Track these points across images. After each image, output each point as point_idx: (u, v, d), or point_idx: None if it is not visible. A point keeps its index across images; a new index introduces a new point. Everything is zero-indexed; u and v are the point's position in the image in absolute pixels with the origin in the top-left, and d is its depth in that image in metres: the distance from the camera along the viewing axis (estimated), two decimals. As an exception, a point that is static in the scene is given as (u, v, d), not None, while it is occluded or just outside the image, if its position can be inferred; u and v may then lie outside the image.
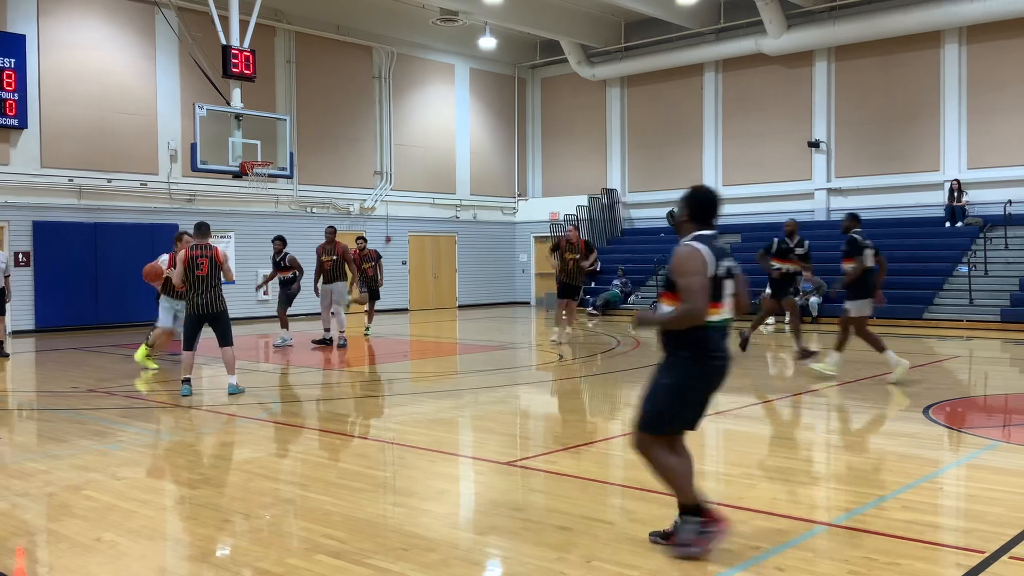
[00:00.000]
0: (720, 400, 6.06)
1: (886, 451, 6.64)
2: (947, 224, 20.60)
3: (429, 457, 6.58)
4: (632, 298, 22.92)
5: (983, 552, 4.13)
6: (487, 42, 24.81)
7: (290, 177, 18.48)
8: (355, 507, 5.14)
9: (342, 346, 14.58)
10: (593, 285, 23.44)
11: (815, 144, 23.23)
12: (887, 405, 8.62)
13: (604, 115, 27.61)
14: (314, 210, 23.16)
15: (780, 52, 23.15)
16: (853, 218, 10.29)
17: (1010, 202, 19.81)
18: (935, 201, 21.36)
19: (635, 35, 26.01)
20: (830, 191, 23.32)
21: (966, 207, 20.49)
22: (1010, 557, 4.08)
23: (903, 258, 19.99)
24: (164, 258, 11.25)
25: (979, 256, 19.14)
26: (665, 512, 4.93)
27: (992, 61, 20.74)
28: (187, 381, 9.33)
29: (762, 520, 4.77)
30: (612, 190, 27.11)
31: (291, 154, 17.48)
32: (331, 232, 15.09)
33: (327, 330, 15.02)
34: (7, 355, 13.34)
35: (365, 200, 24.29)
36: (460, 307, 26.21)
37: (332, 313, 14.93)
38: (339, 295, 14.91)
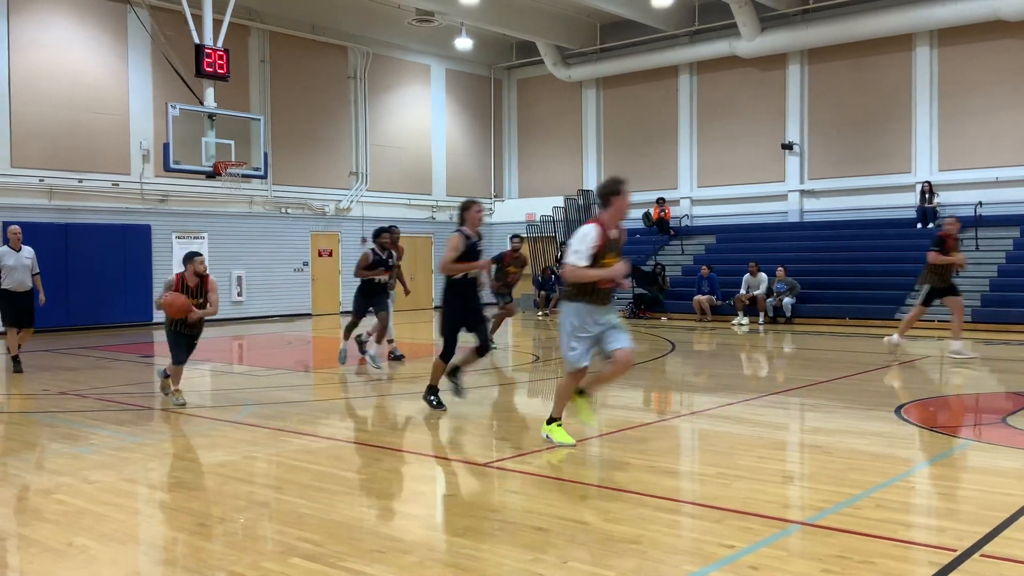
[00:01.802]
0: (696, 400, 6.09)
1: (859, 450, 6.70)
2: (918, 226, 20.84)
3: (405, 459, 6.56)
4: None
5: (955, 550, 4.17)
6: (463, 43, 24.80)
7: (264, 177, 18.37)
8: (330, 510, 5.11)
9: (399, 357, 12.74)
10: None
11: (788, 146, 23.42)
12: (859, 404, 8.70)
13: (580, 116, 27.69)
14: (288, 211, 23.04)
15: (754, 55, 23.32)
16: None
17: (980, 203, 20.08)
18: (907, 203, 21.60)
19: (610, 37, 26.10)
20: (803, 193, 23.52)
21: (937, 208, 20.74)
22: (982, 555, 4.13)
23: (875, 259, 20.22)
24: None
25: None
26: (641, 512, 4.94)
27: (962, 64, 21.02)
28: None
29: (736, 519, 4.80)
30: (588, 191, 27.17)
31: (265, 154, 17.38)
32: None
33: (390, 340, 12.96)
34: (21, 370, 11.74)
35: (340, 201, 24.20)
36: (437, 308, 26.16)
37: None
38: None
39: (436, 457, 6.79)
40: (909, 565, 4.10)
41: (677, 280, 22.45)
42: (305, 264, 23.48)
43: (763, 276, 19.52)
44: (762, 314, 19.26)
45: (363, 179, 24.79)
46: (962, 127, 21.13)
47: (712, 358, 14.31)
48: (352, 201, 24.47)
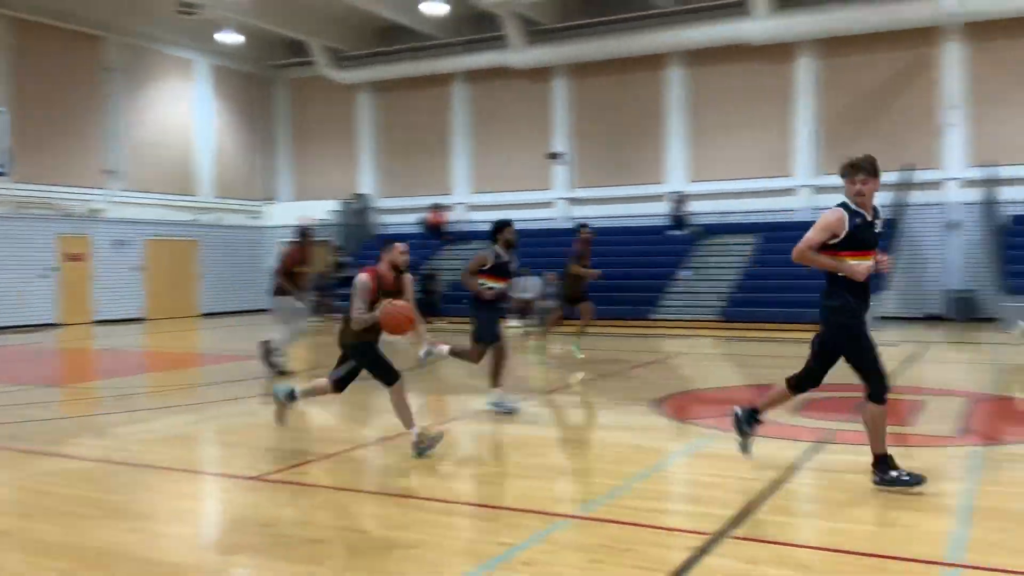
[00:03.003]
0: (474, 402, 6.22)
1: (619, 443, 7.10)
2: (671, 232, 22.49)
3: (169, 477, 6.19)
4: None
5: (708, 533, 4.52)
6: (230, 38, 23.78)
7: (4, 174, 16.67)
8: (84, 536, 4.72)
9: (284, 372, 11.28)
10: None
11: (554, 156, 24.44)
12: (617, 400, 9.22)
13: (355, 119, 27.40)
14: (33, 211, 21.05)
15: (524, 66, 24.12)
16: None
17: (726, 212, 21.99)
18: (661, 211, 23.20)
19: (386, 41, 26.02)
20: (570, 200, 24.63)
21: (688, 216, 22.44)
22: (732, 537, 4.50)
23: (631, 263, 21.50)
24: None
25: (700, 261, 21.05)
26: (421, 516, 4.96)
27: (711, 83, 22.87)
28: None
29: (509, 516, 4.94)
30: (364, 195, 26.94)
31: (8, 149, 15.78)
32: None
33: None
34: None
35: (93, 201, 22.41)
36: (204, 315, 24.87)
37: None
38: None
39: (201, 473, 6.46)
40: (667, 550, 4.40)
41: (455, 284, 22.75)
42: (54, 269, 21.50)
43: (534, 281, 20.20)
44: (533, 317, 19.94)
45: (119, 178, 23.12)
46: (710, 141, 23.00)
47: (486, 361, 14.61)
48: (107, 201, 22.74)
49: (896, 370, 11.66)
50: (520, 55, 23.70)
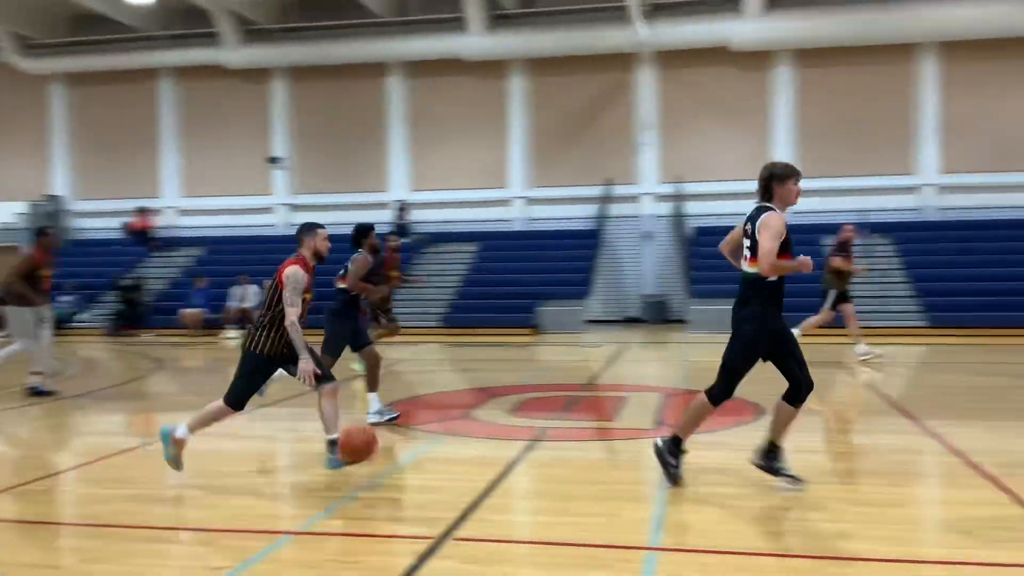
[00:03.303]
0: (184, 419, 5.85)
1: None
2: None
3: None
4: (86, 315, 20.96)
5: (431, 537, 4.58)
6: None
7: None
8: None
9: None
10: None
11: (274, 160, 23.74)
12: (343, 409, 9.12)
13: (47, 113, 24.89)
14: None
15: (240, 66, 23.22)
16: None
17: (448, 221, 22.55)
18: (386, 219, 23.30)
19: (83, 30, 23.90)
20: (291, 207, 24.03)
21: (411, 225, 22.73)
22: (455, 539, 4.59)
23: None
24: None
25: (423, 269, 21.38)
26: (125, 546, 4.57)
27: (431, 95, 23.37)
28: None
29: (226, 539, 4.70)
30: (57, 196, 24.54)
31: None
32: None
33: None
34: None
35: None
36: None
37: None
38: None
39: None
40: (392, 558, 4.40)
41: (164, 294, 21.36)
42: None
43: (252, 288, 19.48)
44: (251, 327, 19.22)
45: None
46: (432, 151, 23.46)
47: (202, 374, 13.88)
48: None
49: (600, 370, 12.56)
50: (235, 54, 22.79)
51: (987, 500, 5.21)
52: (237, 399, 5.95)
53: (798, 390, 5.31)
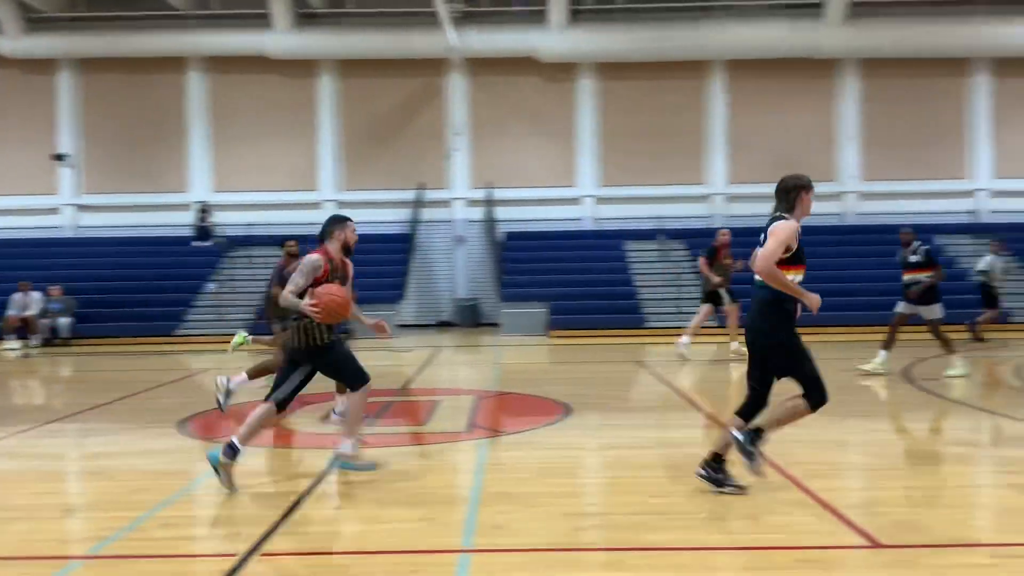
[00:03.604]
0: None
1: (142, 470, 6.61)
2: (196, 243, 21.62)
3: None
4: None
5: (235, 554, 4.40)
6: None
7: None
8: None
9: None
10: None
11: (60, 157, 22.09)
12: (141, 424, 8.62)
13: None
14: None
15: (20, 56, 21.48)
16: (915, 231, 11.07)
17: (252, 224, 21.74)
18: (187, 221, 22.20)
19: None
20: (79, 207, 22.43)
21: (213, 227, 21.78)
22: (261, 555, 4.43)
23: (153, 276, 20.29)
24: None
25: (228, 273, 20.53)
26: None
27: (235, 92, 22.50)
28: None
29: (11, 567, 4.31)
30: None
31: None
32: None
33: None
34: None
35: None
36: None
37: None
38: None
39: None
40: (194, 578, 4.19)
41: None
42: None
43: (36, 295, 18.04)
44: (36, 336, 17.78)
45: None
46: (235, 151, 22.57)
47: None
48: None
49: (414, 374, 12.55)
50: (14, 43, 21.05)
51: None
52: (360, 377, 5.87)
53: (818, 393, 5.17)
